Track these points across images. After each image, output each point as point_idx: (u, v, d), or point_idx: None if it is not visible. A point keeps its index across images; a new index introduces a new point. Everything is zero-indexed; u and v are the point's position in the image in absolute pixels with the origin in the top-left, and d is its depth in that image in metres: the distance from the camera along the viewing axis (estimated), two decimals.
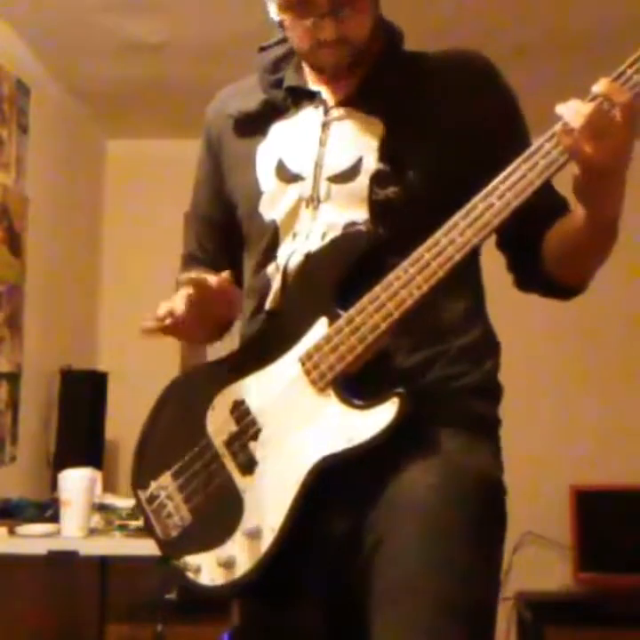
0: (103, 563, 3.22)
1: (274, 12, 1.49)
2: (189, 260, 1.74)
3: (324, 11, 1.42)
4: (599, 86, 1.28)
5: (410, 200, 1.44)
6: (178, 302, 1.48)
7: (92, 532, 2.93)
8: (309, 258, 1.46)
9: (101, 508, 3.01)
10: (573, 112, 1.27)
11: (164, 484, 1.53)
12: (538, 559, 4.44)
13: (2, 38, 3.45)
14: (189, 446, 1.52)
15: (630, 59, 1.29)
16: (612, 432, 4.48)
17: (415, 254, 1.36)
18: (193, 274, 1.50)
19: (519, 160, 1.32)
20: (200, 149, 1.68)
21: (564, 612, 4.11)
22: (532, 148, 1.32)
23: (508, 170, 1.32)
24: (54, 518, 2.97)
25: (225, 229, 1.64)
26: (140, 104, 4.26)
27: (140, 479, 1.57)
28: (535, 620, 4.07)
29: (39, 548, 2.88)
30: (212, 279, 1.48)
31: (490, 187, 1.32)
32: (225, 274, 1.49)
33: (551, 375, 4.57)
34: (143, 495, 1.56)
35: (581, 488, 4.37)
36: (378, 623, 1.36)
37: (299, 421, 1.42)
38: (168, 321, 1.48)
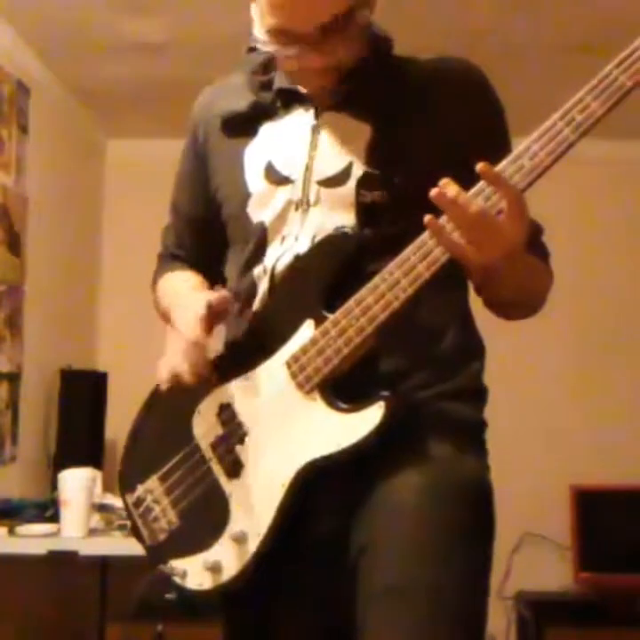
0: (103, 563, 3.22)
1: (261, 42, 1.45)
2: (168, 259, 1.72)
3: (309, 41, 1.39)
4: (490, 173, 1.27)
5: (396, 204, 1.44)
6: (195, 355, 1.44)
7: (92, 532, 2.93)
8: (297, 260, 1.46)
9: (101, 508, 3.02)
10: (459, 212, 1.27)
11: (151, 488, 1.53)
12: (538, 559, 4.44)
13: (2, 38, 3.45)
14: (176, 450, 1.51)
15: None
16: (612, 432, 4.48)
17: (401, 256, 1.35)
18: (199, 313, 1.45)
19: (505, 162, 1.30)
20: (184, 146, 1.66)
21: (564, 612, 4.11)
22: (519, 150, 1.30)
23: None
24: (54, 518, 2.97)
25: (207, 228, 1.62)
26: (140, 104, 4.26)
27: (128, 482, 1.57)
28: (535, 619, 4.07)
29: (39, 547, 2.89)
30: (212, 300, 1.45)
31: (476, 188, 1.30)
32: (224, 293, 1.48)
33: (552, 375, 4.57)
34: (130, 499, 1.56)
35: (581, 488, 4.37)
36: (369, 624, 1.36)
37: (285, 425, 1.42)
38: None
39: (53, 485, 3.22)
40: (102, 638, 3.30)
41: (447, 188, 1.27)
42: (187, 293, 1.57)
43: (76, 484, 2.88)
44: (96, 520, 2.98)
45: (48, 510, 3.08)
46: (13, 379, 3.54)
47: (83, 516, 2.89)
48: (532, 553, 4.45)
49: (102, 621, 3.31)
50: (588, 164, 4.03)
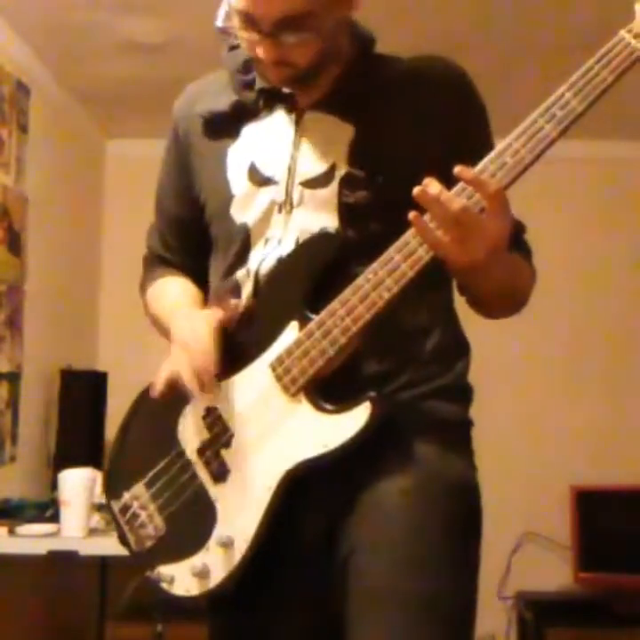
0: (103, 563, 3.22)
1: (224, 19, 1.46)
2: (154, 262, 1.70)
3: (264, 31, 1.39)
4: (466, 175, 1.27)
5: (380, 204, 1.43)
6: (207, 361, 1.42)
7: (92, 532, 2.94)
8: (281, 262, 1.45)
9: (101, 508, 3.01)
10: (442, 210, 1.27)
11: (137, 494, 1.51)
12: (538, 559, 4.44)
13: (2, 39, 3.45)
14: (162, 455, 1.50)
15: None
16: (612, 432, 4.48)
17: (385, 256, 1.35)
18: (213, 328, 1.44)
19: (486, 160, 1.30)
20: (166, 146, 1.65)
21: (564, 612, 4.11)
22: (501, 147, 1.30)
23: (476, 170, 1.30)
24: (54, 518, 2.97)
25: (191, 228, 1.61)
26: (140, 104, 4.26)
27: (113, 489, 1.55)
28: (535, 619, 4.07)
29: (39, 547, 2.89)
30: (224, 316, 1.45)
31: (459, 186, 1.30)
32: (233, 304, 1.47)
33: (552, 376, 4.57)
34: (116, 506, 1.54)
35: (581, 488, 4.37)
36: (358, 626, 1.35)
37: (271, 428, 1.41)
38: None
39: (53, 485, 3.22)
40: (102, 638, 3.30)
41: (430, 186, 1.28)
42: (189, 313, 1.53)
43: (76, 483, 2.88)
44: (96, 520, 2.98)
45: (48, 510, 3.08)
46: (13, 379, 3.53)
47: (83, 516, 2.89)
48: (532, 553, 4.45)
49: (102, 621, 3.31)
50: (573, 163, 4.04)
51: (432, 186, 1.28)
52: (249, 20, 1.40)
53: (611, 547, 4.34)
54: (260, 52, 1.41)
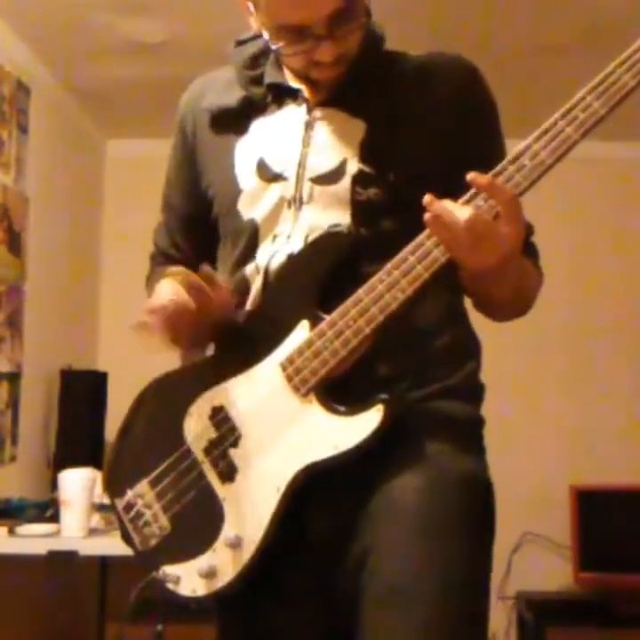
0: (103, 563, 3.22)
1: (269, 41, 1.43)
2: (161, 258, 1.68)
3: (321, 34, 1.38)
4: (480, 181, 1.26)
5: (391, 202, 1.42)
6: (167, 299, 1.41)
7: (92, 532, 2.93)
8: (291, 259, 1.43)
9: (101, 508, 3.01)
10: (453, 219, 1.26)
11: (141, 492, 1.49)
12: (538, 559, 4.44)
13: (2, 38, 3.45)
14: (167, 453, 1.48)
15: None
16: (612, 432, 4.48)
17: (399, 257, 1.33)
18: (195, 275, 1.42)
19: (505, 162, 1.28)
20: (173, 142, 1.64)
21: (564, 612, 4.11)
22: (520, 149, 1.29)
23: (493, 173, 1.29)
24: (54, 518, 2.97)
25: (199, 225, 1.59)
26: (140, 104, 4.26)
27: (116, 487, 1.53)
28: (535, 619, 4.07)
29: (39, 547, 2.88)
30: (209, 290, 1.42)
31: (472, 191, 1.29)
32: (226, 285, 1.46)
33: (553, 376, 4.57)
34: (120, 503, 1.52)
35: (581, 488, 4.37)
36: (374, 625, 1.34)
37: (280, 428, 1.39)
38: (159, 315, 1.41)
39: (53, 485, 3.22)
40: (102, 638, 3.30)
41: (433, 205, 1.27)
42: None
43: (76, 484, 2.88)
44: (96, 520, 2.98)
45: (48, 510, 3.08)
46: (13, 379, 3.54)
47: (83, 516, 2.88)
48: (532, 553, 4.45)
49: (102, 621, 3.31)
50: (578, 162, 4.05)
51: (434, 206, 1.27)
52: (298, 31, 1.38)
53: (611, 547, 4.34)
54: (322, 55, 1.40)
